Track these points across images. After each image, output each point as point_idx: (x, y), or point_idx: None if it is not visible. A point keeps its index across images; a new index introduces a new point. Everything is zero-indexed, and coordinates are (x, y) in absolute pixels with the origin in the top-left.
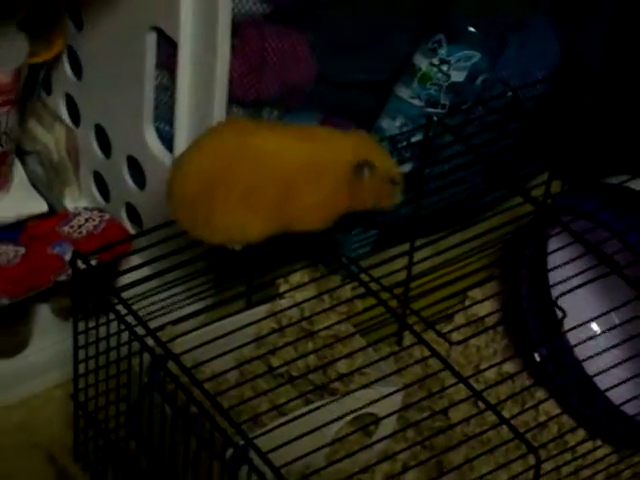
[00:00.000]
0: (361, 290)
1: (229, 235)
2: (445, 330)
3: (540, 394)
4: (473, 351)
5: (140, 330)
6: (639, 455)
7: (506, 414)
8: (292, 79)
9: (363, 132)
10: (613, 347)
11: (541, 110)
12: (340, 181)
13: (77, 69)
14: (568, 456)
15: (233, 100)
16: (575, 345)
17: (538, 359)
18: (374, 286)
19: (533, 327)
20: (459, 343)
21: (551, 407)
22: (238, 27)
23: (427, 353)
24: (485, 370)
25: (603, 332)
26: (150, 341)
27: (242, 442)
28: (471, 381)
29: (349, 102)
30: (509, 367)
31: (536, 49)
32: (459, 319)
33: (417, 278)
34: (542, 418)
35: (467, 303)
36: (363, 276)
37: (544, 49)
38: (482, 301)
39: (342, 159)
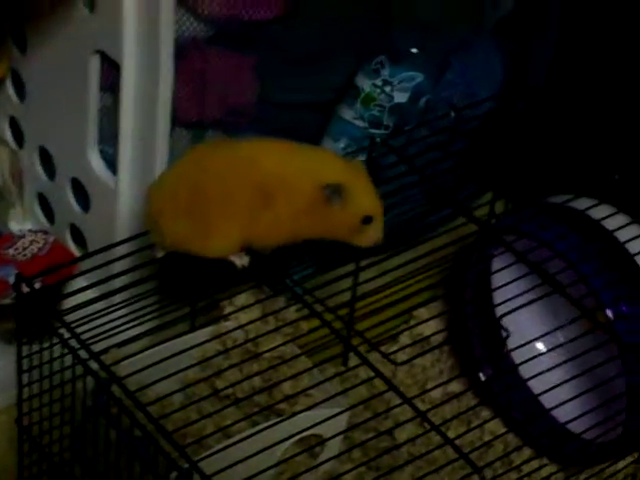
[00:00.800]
0: (306, 311)
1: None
2: (390, 350)
3: (485, 413)
4: (419, 371)
5: (84, 354)
6: (585, 473)
7: (452, 434)
8: (235, 101)
9: (358, 162)
10: (558, 366)
11: (485, 129)
12: (311, 202)
13: (21, 92)
14: (514, 475)
15: (176, 122)
16: (520, 364)
17: (483, 379)
18: (319, 307)
19: (478, 346)
20: (403, 363)
21: (496, 426)
22: (181, 50)
23: (372, 374)
24: (430, 390)
25: (548, 351)
26: (94, 365)
27: (186, 465)
28: (417, 401)
29: (293, 123)
30: (455, 387)
31: (480, 69)
32: (404, 339)
33: (362, 299)
34: (487, 437)
35: (412, 323)
36: (308, 297)
37: (488, 68)
38: (427, 321)
39: (319, 179)
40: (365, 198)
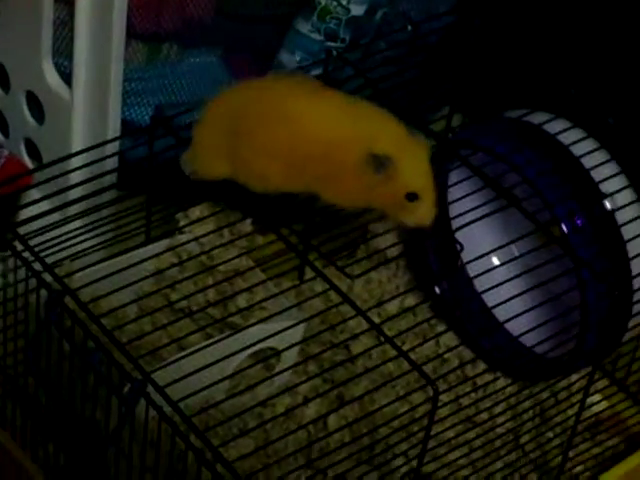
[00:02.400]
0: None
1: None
2: (346, 265)
3: (440, 327)
4: (375, 286)
5: (38, 266)
6: (539, 386)
7: (407, 347)
8: (191, 13)
9: (421, 136)
10: (512, 279)
11: (443, 44)
12: (357, 169)
13: None
14: (467, 388)
15: (132, 34)
16: (474, 277)
17: (438, 292)
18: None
19: (434, 260)
20: (358, 276)
21: (451, 340)
22: None
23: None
24: (385, 302)
25: (502, 264)
26: (48, 277)
27: (140, 377)
28: (373, 315)
29: (250, 37)
30: (411, 301)
31: None
32: (360, 253)
33: (319, 213)
34: (442, 350)
35: (368, 237)
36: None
37: None
38: (383, 234)
39: (369, 147)
40: (413, 174)
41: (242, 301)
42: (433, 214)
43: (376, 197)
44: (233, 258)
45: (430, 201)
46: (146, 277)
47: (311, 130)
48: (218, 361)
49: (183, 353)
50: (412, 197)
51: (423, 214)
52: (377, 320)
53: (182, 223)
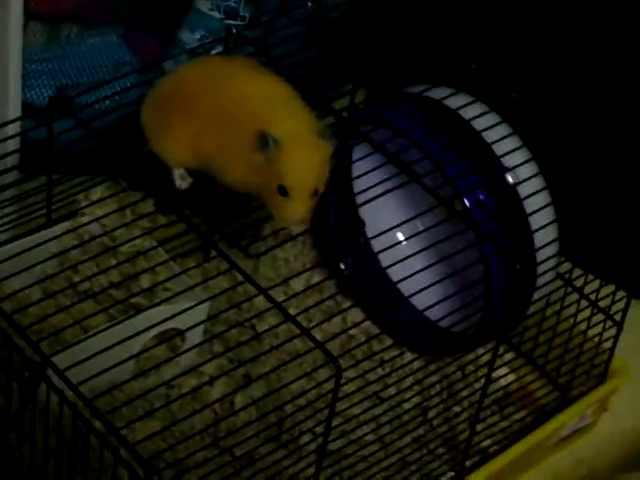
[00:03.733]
0: None
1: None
2: (250, 243)
3: (346, 304)
4: (282, 264)
5: None
6: (444, 360)
7: (314, 325)
8: None
9: (331, 142)
10: (416, 254)
11: (345, 20)
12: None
13: None
14: (374, 364)
15: (31, 15)
16: (378, 252)
17: (343, 268)
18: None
19: (338, 237)
20: (261, 255)
21: (357, 316)
22: None
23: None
24: (290, 280)
25: (406, 239)
26: None
27: (39, 360)
28: (279, 294)
29: (150, 15)
30: (316, 278)
31: None
32: (265, 232)
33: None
34: (348, 326)
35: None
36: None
37: None
38: None
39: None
40: (295, 169)
41: (145, 282)
42: (302, 217)
43: (257, 181)
44: (135, 238)
45: (302, 203)
46: (48, 258)
47: (225, 101)
48: (121, 342)
49: (86, 335)
50: (283, 191)
51: (290, 213)
52: (283, 298)
53: (83, 204)
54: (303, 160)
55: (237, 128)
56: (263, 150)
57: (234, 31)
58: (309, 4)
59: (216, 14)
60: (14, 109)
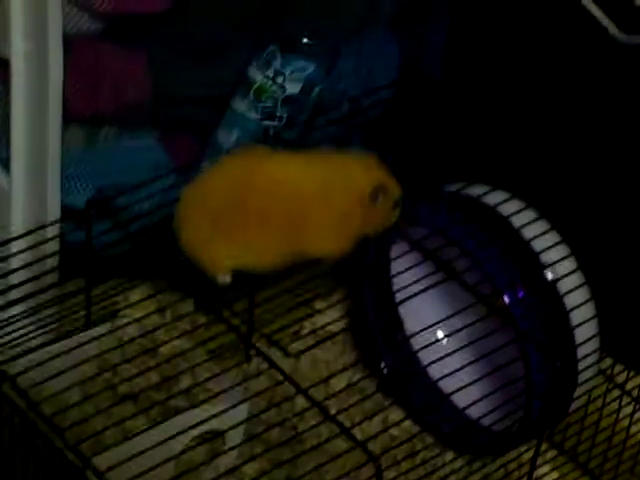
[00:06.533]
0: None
1: (242, 261)
2: (291, 345)
3: (387, 402)
4: (322, 366)
5: None
6: (486, 459)
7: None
8: (127, 96)
9: (372, 156)
10: (456, 351)
11: (383, 119)
12: (353, 206)
13: None
14: (414, 463)
15: (69, 119)
16: (418, 351)
17: (383, 367)
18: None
19: (378, 336)
20: (299, 354)
21: (397, 414)
22: (72, 45)
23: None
24: (330, 379)
25: (446, 336)
26: None
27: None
28: (320, 393)
29: (188, 118)
30: (357, 377)
31: (375, 59)
32: (304, 332)
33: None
34: (388, 425)
35: (314, 316)
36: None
37: (383, 59)
38: (325, 311)
39: (355, 185)
40: (394, 185)
41: (185, 383)
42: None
43: (375, 221)
44: (174, 338)
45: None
46: (86, 360)
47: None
48: (161, 444)
49: (126, 437)
50: (397, 203)
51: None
52: (323, 397)
53: (123, 305)
54: (389, 174)
55: (331, 202)
56: (378, 199)
57: (271, 132)
58: (346, 104)
59: (253, 115)
60: (53, 212)
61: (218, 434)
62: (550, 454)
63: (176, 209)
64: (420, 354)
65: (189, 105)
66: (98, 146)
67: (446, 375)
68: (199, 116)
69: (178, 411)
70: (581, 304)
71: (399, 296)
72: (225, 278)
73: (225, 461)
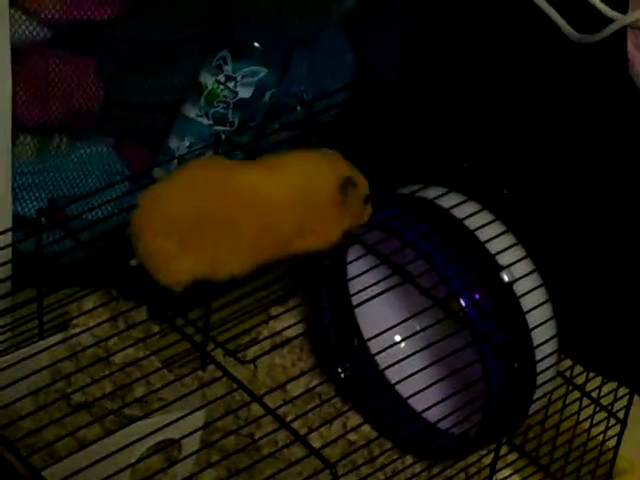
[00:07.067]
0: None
1: (213, 270)
2: (248, 352)
3: (345, 407)
4: (279, 371)
5: None
6: (445, 463)
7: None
8: (78, 104)
9: (336, 152)
10: (413, 354)
11: (337, 122)
12: (325, 204)
13: None
14: (373, 468)
15: (19, 128)
16: (375, 354)
17: (340, 371)
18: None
19: (336, 340)
20: (254, 361)
21: (356, 419)
22: (20, 54)
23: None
24: (281, 387)
25: (403, 340)
26: None
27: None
28: (277, 400)
29: (140, 125)
30: (314, 383)
31: (329, 61)
32: (261, 338)
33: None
34: (346, 431)
35: (270, 322)
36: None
37: (338, 62)
38: (282, 316)
39: (324, 182)
40: (361, 179)
41: (139, 392)
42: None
43: (348, 216)
44: (127, 347)
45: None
46: (39, 370)
47: (277, 191)
48: (116, 453)
49: (80, 448)
50: (368, 199)
51: (370, 207)
52: (280, 404)
53: (75, 315)
54: (355, 168)
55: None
56: (347, 192)
57: (223, 137)
58: (298, 108)
59: (204, 120)
60: (4, 221)
61: (174, 442)
62: (511, 457)
63: (132, 217)
64: (377, 358)
65: (141, 111)
66: (50, 155)
67: (404, 379)
68: (151, 122)
69: (133, 420)
70: (538, 306)
71: (355, 300)
72: (181, 287)
73: (181, 469)
